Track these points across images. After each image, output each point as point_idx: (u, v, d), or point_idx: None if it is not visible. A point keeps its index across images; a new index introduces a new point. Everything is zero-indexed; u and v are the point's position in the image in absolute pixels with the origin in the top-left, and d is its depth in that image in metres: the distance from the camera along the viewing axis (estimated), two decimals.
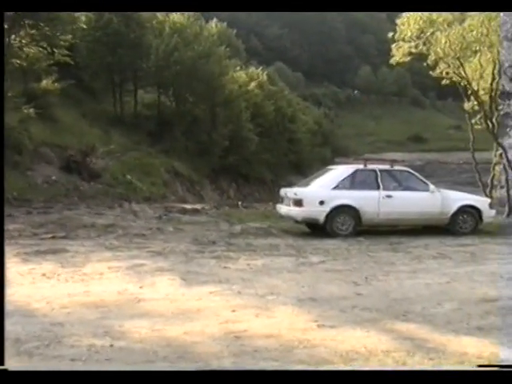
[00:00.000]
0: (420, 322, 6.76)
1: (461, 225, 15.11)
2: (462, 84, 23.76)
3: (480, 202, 16.08)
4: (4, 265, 6.58)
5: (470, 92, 24.09)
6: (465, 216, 15.20)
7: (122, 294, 7.78)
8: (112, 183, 26.39)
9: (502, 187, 26.01)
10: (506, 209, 24.81)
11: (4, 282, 6.17)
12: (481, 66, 23.58)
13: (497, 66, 23.18)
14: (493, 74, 23.31)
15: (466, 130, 27.51)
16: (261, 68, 53.23)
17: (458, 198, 15.64)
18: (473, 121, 25.37)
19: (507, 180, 25.38)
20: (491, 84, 23.46)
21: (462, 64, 22.81)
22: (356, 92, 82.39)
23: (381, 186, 14.61)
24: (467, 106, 25.03)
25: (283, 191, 15.39)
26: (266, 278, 9.05)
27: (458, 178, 48.48)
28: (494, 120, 23.97)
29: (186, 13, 41.24)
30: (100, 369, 4.73)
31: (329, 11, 19.95)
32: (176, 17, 41.02)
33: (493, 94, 23.75)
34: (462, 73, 23.09)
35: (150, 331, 6.15)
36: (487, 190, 25.74)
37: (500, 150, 24.59)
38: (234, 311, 6.99)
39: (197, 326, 6.36)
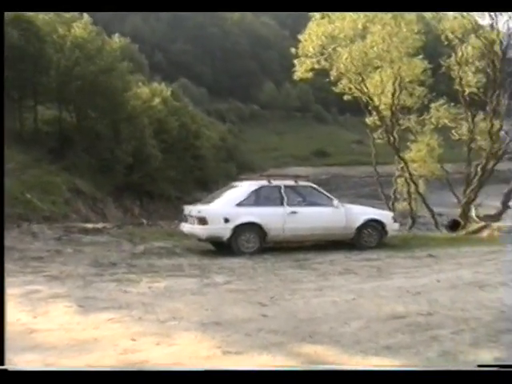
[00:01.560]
0: (328, 343, 6.55)
1: (366, 239, 15.14)
2: (363, 99, 24.13)
3: (384, 215, 16.20)
4: (4, 266, 6.23)
5: (371, 107, 24.48)
6: (369, 230, 15.25)
7: (13, 325, 7.22)
8: (10, 203, 25.33)
9: (404, 200, 26.59)
10: (409, 221, 25.39)
11: (4, 283, 5.99)
12: (382, 81, 24.03)
13: (397, 82, 23.68)
14: (393, 89, 23.79)
15: (368, 144, 28.03)
16: (164, 83, 52.75)
17: (362, 213, 15.71)
18: (374, 135, 25.83)
19: (409, 193, 25.98)
20: (392, 99, 23.92)
21: (363, 79, 23.19)
22: (255, 107, 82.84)
23: (285, 202, 14.48)
24: (369, 120, 25.45)
25: (187, 209, 15.02)
26: (168, 301, 8.65)
27: (361, 191, 49.43)
28: (394, 134, 24.45)
29: (88, 27, 40.40)
30: (100, 369, 4.40)
31: (329, 11, 20.13)
32: (78, 31, 40.08)
33: (394, 108, 24.23)
34: (364, 88, 23.47)
35: (42, 365, 5.69)
36: (390, 203, 26.25)
37: (401, 164, 25.10)
38: (133, 340, 6.57)
39: (93, 357, 5.92)
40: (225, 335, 6.80)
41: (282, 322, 7.47)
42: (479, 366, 3.23)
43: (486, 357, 6.07)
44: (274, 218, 14.23)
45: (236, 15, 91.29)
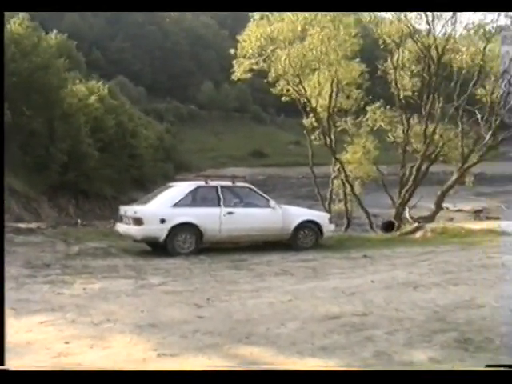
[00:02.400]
0: (264, 344, 6.55)
1: (302, 240, 15.25)
2: (301, 101, 24.25)
3: (320, 216, 16.34)
4: (4, 265, 6.10)
5: (308, 108, 24.63)
6: (306, 231, 15.37)
7: None
8: None
9: (340, 201, 26.84)
10: (345, 222, 25.65)
11: (4, 283, 5.87)
12: (319, 83, 24.21)
13: (335, 84, 23.89)
14: (331, 91, 23.99)
15: (305, 145, 28.20)
16: (102, 81, 51.99)
17: (298, 214, 15.82)
18: (312, 136, 25.98)
19: (345, 194, 26.24)
20: (329, 101, 24.12)
21: (301, 81, 23.30)
22: (193, 107, 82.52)
23: (222, 203, 14.46)
24: (306, 122, 25.60)
25: (122, 209, 14.84)
26: (102, 303, 8.51)
27: (298, 191, 49.68)
28: (331, 136, 24.66)
29: (25, 23, 39.50)
30: (100, 369, 4.27)
31: (327, 11, 20.10)
32: (14, 27, 39.11)
33: (330, 110, 24.43)
34: (302, 90, 23.58)
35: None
36: (326, 204, 26.44)
37: (338, 165, 25.34)
38: (67, 343, 6.43)
39: (26, 361, 5.77)
40: (160, 337, 6.72)
41: (218, 323, 7.44)
42: (488, 366, 3.24)
43: (420, 357, 6.16)
44: (210, 218, 14.20)
45: (175, 14, 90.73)
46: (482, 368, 3.08)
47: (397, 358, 6.10)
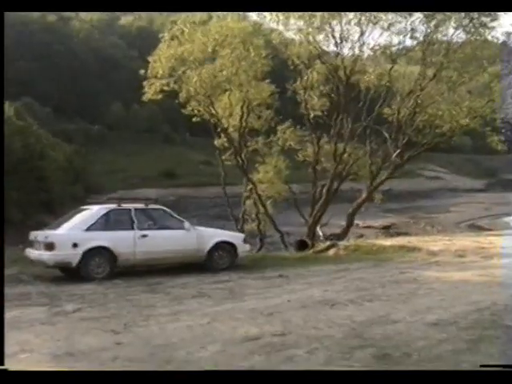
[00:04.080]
0: (185, 368, 6.46)
1: (217, 261, 15.21)
2: (212, 121, 24.28)
3: (234, 237, 16.36)
4: (4, 266, 5.50)
5: (220, 129, 24.67)
6: (221, 252, 15.34)
7: None
8: None
9: (253, 220, 26.92)
10: (258, 242, 25.75)
11: (4, 283, 5.99)
12: (230, 104, 24.30)
13: (246, 105, 24.04)
14: (242, 112, 24.12)
15: (217, 165, 28.21)
16: (7, 102, 50.59)
17: (213, 235, 15.80)
18: (223, 157, 26.00)
19: (258, 213, 26.35)
20: (240, 121, 24.24)
21: (212, 102, 23.34)
22: (97, 127, 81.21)
23: (136, 226, 14.28)
24: (217, 142, 25.61)
25: (33, 234, 14.42)
26: (16, 332, 8.21)
27: (210, 212, 49.57)
28: (243, 156, 24.76)
29: None
30: (100, 369, 4.00)
31: (326, 11, 19.94)
32: None
33: (242, 131, 24.56)
34: (213, 110, 23.62)
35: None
36: (239, 224, 26.46)
37: (250, 185, 25.45)
38: None
39: None
40: (79, 366, 6.52)
41: (137, 349, 7.30)
42: (482, 366, 3.26)
43: None
44: (124, 241, 14.00)
45: (83, 33, 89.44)
46: (478, 368, 3.13)
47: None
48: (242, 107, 24.18)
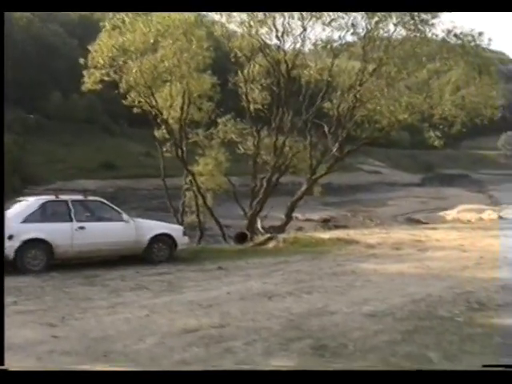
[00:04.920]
0: (123, 361, 6.42)
1: (156, 253, 15.14)
2: (152, 112, 24.07)
3: (174, 229, 16.31)
4: (3, 266, 5.20)
5: (160, 120, 24.49)
6: (160, 244, 15.28)
7: None
8: None
9: (192, 212, 26.86)
10: (198, 234, 25.69)
11: (4, 284, 6.03)
12: (171, 95, 24.14)
13: (186, 96, 23.92)
14: (182, 103, 24.01)
15: (157, 156, 28.03)
16: None
17: (152, 227, 15.70)
18: (163, 148, 25.83)
19: (197, 206, 26.29)
20: (181, 113, 24.13)
21: (152, 93, 23.14)
22: (32, 116, 79.47)
23: (73, 218, 14.08)
24: (158, 133, 25.43)
25: None
26: None
27: (149, 204, 49.18)
28: (183, 147, 24.64)
29: None
30: (100, 369, 3.87)
31: (326, 11, 19.53)
32: None
33: (182, 122, 24.44)
34: (153, 102, 23.42)
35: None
36: (179, 216, 26.37)
37: (190, 177, 25.37)
38: None
39: None
40: (15, 359, 6.42)
41: (74, 342, 7.22)
42: (484, 366, 3.26)
43: (278, 365, 6.27)
44: (61, 233, 13.79)
45: (23, 20, 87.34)
46: (480, 368, 3.15)
47: (256, 367, 6.17)
48: (182, 99, 24.07)
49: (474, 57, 23.93)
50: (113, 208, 15.20)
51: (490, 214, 33.28)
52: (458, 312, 9.01)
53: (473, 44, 23.78)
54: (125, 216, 14.99)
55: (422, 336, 7.69)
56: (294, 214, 28.26)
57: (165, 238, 15.43)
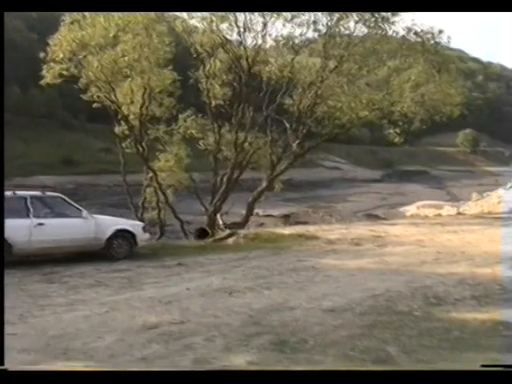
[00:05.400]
0: (82, 359, 6.38)
1: (116, 250, 15.05)
2: (112, 108, 23.84)
3: (134, 226, 16.22)
4: (3, 266, 6.23)
5: (120, 116, 24.27)
6: (120, 241, 15.20)
7: None
8: None
9: (153, 209, 26.70)
10: (158, 231, 25.56)
11: (4, 282, 5.74)
12: (132, 91, 23.93)
13: (147, 92, 23.75)
14: (143, 99, 23.82)
15: (117, 152, 27.78)
16: None
17: (111, 223, 15.61)
18: (123, 144, 25.60)
19: (158, 202, 26.14)
20: (141, 109, 23.93)
21: (113, 88, 22.91)
22: None
23: (32, 214, 13.91)
24: (118, 129, 25.19)
25: None
26: None
27: (109, 200, 48.77)
28: (143, 144, 24.47)
29: None
30: (100, 369, 3.82)
31: (327, 11, 19.29)
32: None
33: (142, 118, 24.25)
34: (113, 97, 23.18)
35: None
36: (139, 213, 26.18)
37: (150, 173, 25.21)
38: None
39: None
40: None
41: (32, 340, 7.17)
42: (482, 365, 3.25)
43: (239, 361, 6.30)
44: (19, 230, 13.59)
45: None
46: (479, 368, 3.16)
47: (216, 363, 6.19)
48: (143, 94, 23.87)
49: (433, 55, 24.24)
50: (72, 204, 15.07)
51: (448, 210, 33.65)
52: (416, 307, 9.14)
53: (432, 42, 24.07)
54: (84, 212, 14.87)
55: (381, 331, 7.78)
56: (255, 210, 28.26)
57: (125, 235, 15.35)
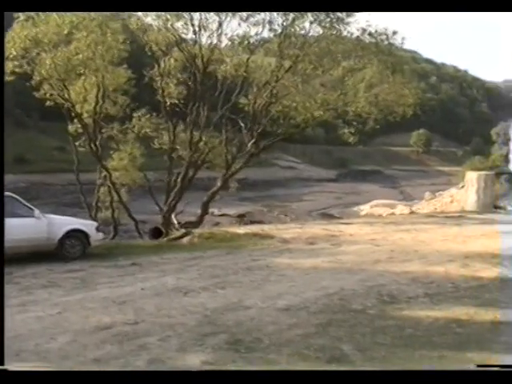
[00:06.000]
0: (35, 360, 6.29)
1: (69, 250, 14.86)
2: (66, 106, 23.55)
3: (87, 225, 16.04)
4: (3, 266, 6.25)
5: (73, 114, 24.01)
6: (72, 241, 15.01)
7: None
8: None
9: (107, 208, 26.48)
10: (112, 230, 25.36)
11: (4, 283, 5.86)
12: (85, 89, 23.71)
13: (101, 90, 23.53)
14: (97, 97, 23.60)
15: (71, 151, 27.48)
16: None
17: (64, 223, 15.42)
18: (77, 143, 25.35)
19: (112, 201, 25.94)
20: (95, 107, 23.71)
21: (66, 86, 22.64)
22: None
23: None
24: (71, 128, 24.94)
25: None
26: None
27: (63, 199, 48.27)
28: (97, 143, 24.24)
29: None
30: (100, 369, 4.12)
31: (328, 11, 18.92)
32: None
33: (96, 117, 24.02)
34: (66, 95, 22.91)
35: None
36: (92, 212, 25.95)
37: (104, 172, 25.00)
38: None
39: None
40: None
41: None
42: (478, 366, 3.26)
43: (193, 361, 6.28)
44: None
45: None
46: (475, 368, 3.17)
47: (171, 363, 6.17)
48: (97, 93, 23.65)
49: (387, 55, 24.51)
50: (24, 204, 14.81)
51: (402, 210, 34.11)
52: (370, 305, 9.24)
53: (386, 43, 24.33)
54: (36, 212, 14.65)
55: (335, 329, 7.85)
56: (210, 210, 28.27)
57: (78, 234, 15.17)
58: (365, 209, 42.68)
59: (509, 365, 3.18)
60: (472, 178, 27.08)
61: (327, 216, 42.67)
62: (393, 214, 31.72)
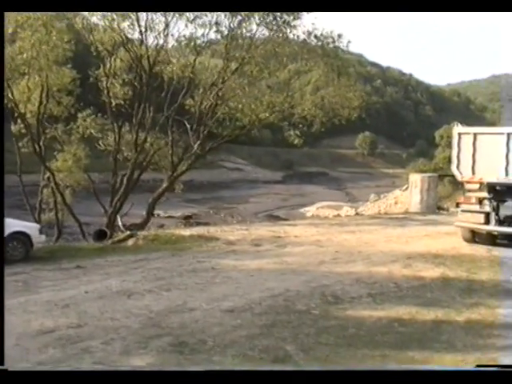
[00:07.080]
0: None
1: (11, 252, 14.55)
2: (9, 106, 23.14)
3: (29, 227, 15.77)
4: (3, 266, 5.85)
5: (16, 114, 23.63)
6: (14, 243, 14.71)
7: None
8: None
9: (50, 210, 26.11)
10: (56, 232, 25.00)
11: (3, 283, 5.84)
12: (29, 89, 23.38)
13: (45, 90, 23.22)
14: (40, 97, 23.29)
15: (13, 152, 26.98)
16: None
17: (6, 225, 15.09)
18: (20, 143, 24.98)
19: (55, 203, 25.58)
20: (39, 107, 23.40)
21: (9, 86, 22.26)
22: None
23: None
24: (14, 128, 24.57)
25: None
26: None
27: (5, 201, 47.38)
28: (41, 143, 23.90)
29: None
30: (100, 369, 3.79)
31: (328, 11, 18.34)
32: None
33: (40, 117, 23.70)
34: (10, 95, 22.52)
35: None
36: (36, 214, 25.57)
37: (48, 173, 24.65)
38: None
39: None
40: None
41: None
42: (478, 366, 3.24)
43: (138, 363, 6.26)
44: None
45: None
46: (475, 368, 3.17)
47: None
48: (40, 92, 23.35)
49: (333, 58, 24.80)
50: None
51: (347, 211, 34.44)
52: (314, 305, 9.33)
53: (332, 46, 24.61)
54: None
55: (279, 330, 7.91)
56: (156, 212, 28.11)
57: (20, 237, 14.90)
58: (310, 210, 43.05)
59: (509, 365, 3.24)
60: (416, 179, 27.50)
61: (273, 218, 42.86)
62: (338, 215, 32.01)
